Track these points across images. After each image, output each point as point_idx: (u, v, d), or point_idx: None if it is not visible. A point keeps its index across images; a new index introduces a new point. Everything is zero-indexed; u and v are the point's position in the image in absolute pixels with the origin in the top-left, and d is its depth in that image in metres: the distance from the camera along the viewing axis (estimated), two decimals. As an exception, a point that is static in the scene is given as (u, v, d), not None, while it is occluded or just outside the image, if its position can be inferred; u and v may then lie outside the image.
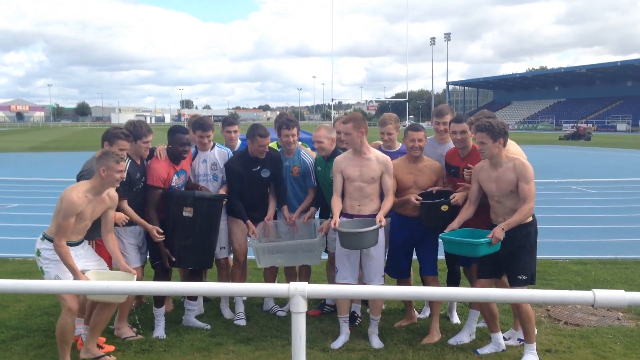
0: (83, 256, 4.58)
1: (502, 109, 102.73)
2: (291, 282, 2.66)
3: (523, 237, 4.62)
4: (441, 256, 5.63)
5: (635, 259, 7.92)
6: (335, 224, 4.89)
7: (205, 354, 4.83)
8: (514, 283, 4.64)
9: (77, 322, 4.78)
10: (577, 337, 5.14)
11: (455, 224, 4.82)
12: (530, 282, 4.65)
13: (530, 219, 4.66)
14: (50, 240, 4.41)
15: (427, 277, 5.29)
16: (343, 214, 5.11)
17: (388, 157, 5.15)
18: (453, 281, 5.47)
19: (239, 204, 5.55)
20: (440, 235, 4.81)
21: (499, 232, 4.49)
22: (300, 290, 2.61)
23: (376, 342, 5.08)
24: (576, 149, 35.04)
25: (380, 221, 4.84)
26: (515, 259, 4.64)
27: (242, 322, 5.53)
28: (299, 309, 2.61)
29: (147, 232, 5.07)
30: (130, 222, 4.97)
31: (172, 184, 5.20)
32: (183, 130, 5.30)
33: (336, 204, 5.09)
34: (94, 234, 4.75)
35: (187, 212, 5.06)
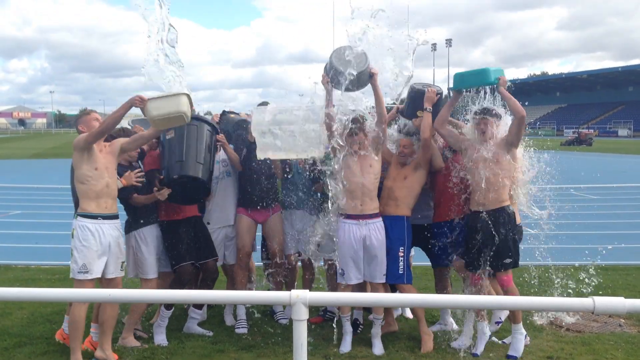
0: (113, 240, 4.65)
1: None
2: (292, 290, 2.68)
3: (501, 224, 4.84)
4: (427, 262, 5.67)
5: (637, 265, 7.93)
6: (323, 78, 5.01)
7: (207, 361, 4.84)
8: (501, 267, 4.89)
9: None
10: (578, 344, 5.14)
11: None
12: (514, 265, 4.92)
13: (507, 203, 4.91)
14: (82, 215, 4.55)
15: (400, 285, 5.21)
16: (345, 215, 5.13)
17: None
18: (441, 288, 5.54)
19: None
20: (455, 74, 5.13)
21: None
22: (301, 298, 2.62)
23: (378, 348, 5.05)
24: (577, 155, 35.00)
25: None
26: (498, 246, 4.85)
27: (244, 330, 5.52)
28: (301, 316, 2.62)
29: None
30: (147, 222, 5.06)
31: None
32: None
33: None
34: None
35: (169, 135, 5.09)
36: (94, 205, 4.56)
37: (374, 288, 5.18)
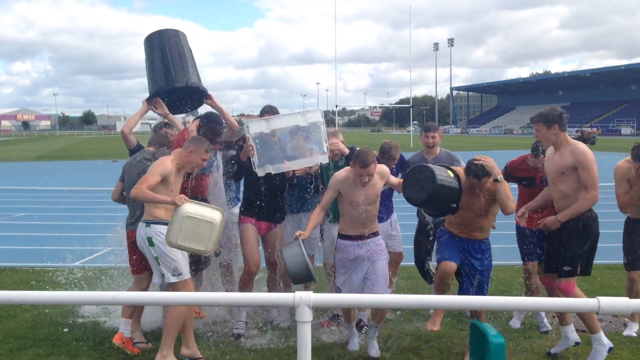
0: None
1: (506, 113, 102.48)
2: (297, 292, 2.68)
3: (568, 230, 4.67)
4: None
5: (642, 264, 7.87)
6: (300, 235, 4.71)
7: (211, 362, 4.84)
8: (560, 274, 4.71)
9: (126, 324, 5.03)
10: (583, 343, 5.12)
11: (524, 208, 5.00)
12: (574, 274, 4.70)
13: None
14: (155, 222, 4.67)
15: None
16: (343, 236, 4.99)
17: (383, 165, 5.09)
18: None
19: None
20: None
21: (550, 222, 4.63)
22: (305, 300, 2.62)
23: (374, 351, 4.98)
24: (581, 154, 34.87)
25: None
26: (562, 250, 4.70)
27: (242, 331, 5.45)
28: (305, 318, 2.62)
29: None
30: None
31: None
32: (217, 121, 5.54)
33: (315, 218, 4.90)
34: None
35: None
36: (163, 212, 4.71)
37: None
